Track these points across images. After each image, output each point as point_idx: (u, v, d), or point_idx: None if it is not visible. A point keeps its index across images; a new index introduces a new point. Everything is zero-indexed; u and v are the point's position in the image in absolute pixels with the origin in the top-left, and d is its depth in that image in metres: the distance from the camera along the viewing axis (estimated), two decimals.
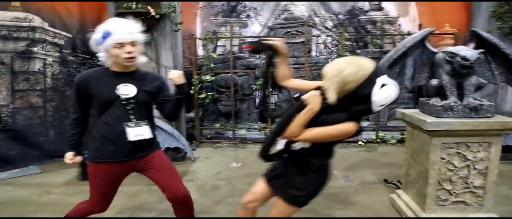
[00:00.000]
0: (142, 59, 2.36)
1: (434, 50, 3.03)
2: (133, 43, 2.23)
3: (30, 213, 3.48)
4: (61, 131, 5.26)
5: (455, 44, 5.72)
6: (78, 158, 2.41)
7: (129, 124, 2.29)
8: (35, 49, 4.97)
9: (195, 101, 6.23)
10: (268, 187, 2.19)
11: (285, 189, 2.06)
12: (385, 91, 1.72)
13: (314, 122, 1.84)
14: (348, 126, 1.82)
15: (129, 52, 2.21)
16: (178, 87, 2.35)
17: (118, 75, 2.30)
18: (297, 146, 1.96)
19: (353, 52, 6.62)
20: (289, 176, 2.06)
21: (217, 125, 6.62)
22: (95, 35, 2.23)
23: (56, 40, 5.16)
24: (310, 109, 1.81)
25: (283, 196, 2.05)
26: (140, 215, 3.44)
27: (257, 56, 6.81)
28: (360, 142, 6.11)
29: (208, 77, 6.12)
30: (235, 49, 7.52)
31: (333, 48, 7.69)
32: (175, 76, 2.32)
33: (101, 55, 2.25)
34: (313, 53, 7.92)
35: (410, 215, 3.12)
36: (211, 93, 6.35)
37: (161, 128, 4.84)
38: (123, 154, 2.32)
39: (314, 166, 2.00)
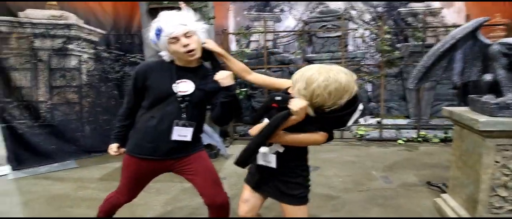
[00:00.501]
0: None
1: (488, 42, 2.77)
2: (187, 34, 2.07)
3: (67, 207, 3.51)
4: (97, 127, 5.32)
5: (507, 36, 5.34)
6: (123, 150, 2.38)
7: (178, 122, 2.19)
8: (70, 46, 5.01)
9: None
10: (259, 193, 2.16)
11: (283, 193, 2.03)
12: (356, 115, 1.81)
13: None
14: (318, 137, 1.87)
15: (186, 45, 2.06)
16: (225, 89, 2.11)
17: (180, 70, 2.20)
18: (271, 149, 1.95)
19: (392, 46, 6.30)
20: (277, 180, 2.03)
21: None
22: (150, 34, 2.15)
23: (91, 37, 5.18)
24: (296, 120, 1.78)
25: (286, 201, 2.03)
26: (172, 213, 3.37)
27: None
28: (399, 141, 5.83)
29: None
30: (269, 44, 7.39)
31: (371, 42, 7.42)
32: (222, 77, 2.08)
33: (163, 54, 2.20)
34: (350, 47, 7.68)
35: None
36: (245, 89, 6.27)
37: None
38: (161, 152, 2.23)
39: (293, 164, 2.00)
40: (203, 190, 2.32)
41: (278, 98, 1.81)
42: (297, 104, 1.72)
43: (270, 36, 7.60)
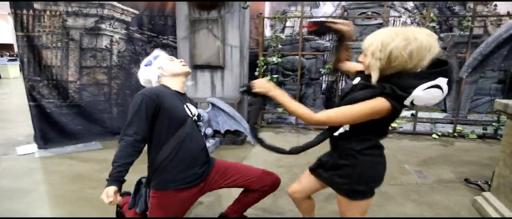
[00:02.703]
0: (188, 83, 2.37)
1: None
2: None
3: (89, 188, 3.49)
4: (124, 109, 5.29)
5: None
6: (119, 198, 1.91)
7: (205, 142, 2.32)
8: (103, 26, 4.96)
9: None
10: (314, 176, 2.06)
11: (331, 177, 1.89)
12: (432, 94, 1.49)
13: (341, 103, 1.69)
14: (379, 102, 1.55)
15: (180, 61, 2.27)
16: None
17: (179, 94, 2.20)
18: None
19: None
20: (334, 164, 1.88)
21: (280, 110, 6.30)
22: (144, 62, 2.27)
23: (123, 17, 5.12)
24: (266, 93, 1.83)
25: (333, 186, 1.90)
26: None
27: (319, 38, 6.45)
28: (434, 135, 5.58)
29: (274, 59, 5.84)
30: (305, 30, 7.14)
31: None
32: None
33: (152, 75, 2.22)
34: None
35: None
36: (276, 76, 6.07)
37: (223, 110, 4.66)
38: (200, 175, 2.22)
39: (353, 150, 1.74)
40: (257, 180, 2.36)
41: (242, 88, 1.86)
42: (258, 84, 1.79)
43: (306, 22, 7.35)
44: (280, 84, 6.61)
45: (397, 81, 1.52)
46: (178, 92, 2.19)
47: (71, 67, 4.86)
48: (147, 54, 5.12)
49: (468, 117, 6.16)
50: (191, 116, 2.15)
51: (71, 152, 4.62)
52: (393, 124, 5.84)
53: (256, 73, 5.77)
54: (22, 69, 4.61)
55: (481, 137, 5.49)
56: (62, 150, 4.69)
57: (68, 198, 3.27)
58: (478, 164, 4.26)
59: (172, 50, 5.45)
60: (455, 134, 5.56)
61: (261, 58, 5.75)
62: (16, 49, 25.67)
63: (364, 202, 1.81)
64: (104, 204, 1.82)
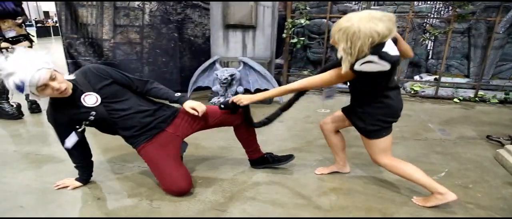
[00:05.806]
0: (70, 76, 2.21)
1: None
2: (52, 77, 1.95)
3: (119, 147, 3.62)
4: (155, 68, 5.48)
5: None
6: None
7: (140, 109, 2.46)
8: None
9: (285, 46, 6.07)
10: (344, 115, 2.45)
11: (354, 120, 2.32)
12: (368, 66, 1.87)
13: None
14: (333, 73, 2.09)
15: (57, 89, 1.98)
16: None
17: (67, 101, 2.16)
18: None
19: None
20: (354, 110, 2.32)
21: (305, 73, 6.40)
22: (10, 86, 1.90)
23: None
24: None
25: (356, 128, 2.33)
26: (229, 150, 3.44)
27: None
28: (455, 99, 5.67)
29: (302, 21, 5.90)
30: None
31: None
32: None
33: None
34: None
35: None
36: (302, 39, 6.14)
37: (254, 69, 4.79)
38: (160, 122, 2.49)
39: (363, 100, 2.23)
40: (223, 119, 2.62)
41: (222, 106, 2.55)
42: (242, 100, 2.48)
43: None
44: (305, 47, 6.65)
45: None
46: (63, 99, 2.13)
47: (105, 25, 5.01)
48: (178, 14, 5.33)
49: (491, 82, 6.16)
50: (91, 110, 2.22)
51: None
52: (416, 88, 5.91)
53: (284, 35, 5.85)
54: (60, 27, 4.78)
55: (503, 102, 5.57)
56: None
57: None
58: (499, 125, 4.39)
59: (201, 10, 5.54)
60: (477, 98, 5.64)
61: (289, 20, 5.81)
62: None
63: (379, 141, 2.23)
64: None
